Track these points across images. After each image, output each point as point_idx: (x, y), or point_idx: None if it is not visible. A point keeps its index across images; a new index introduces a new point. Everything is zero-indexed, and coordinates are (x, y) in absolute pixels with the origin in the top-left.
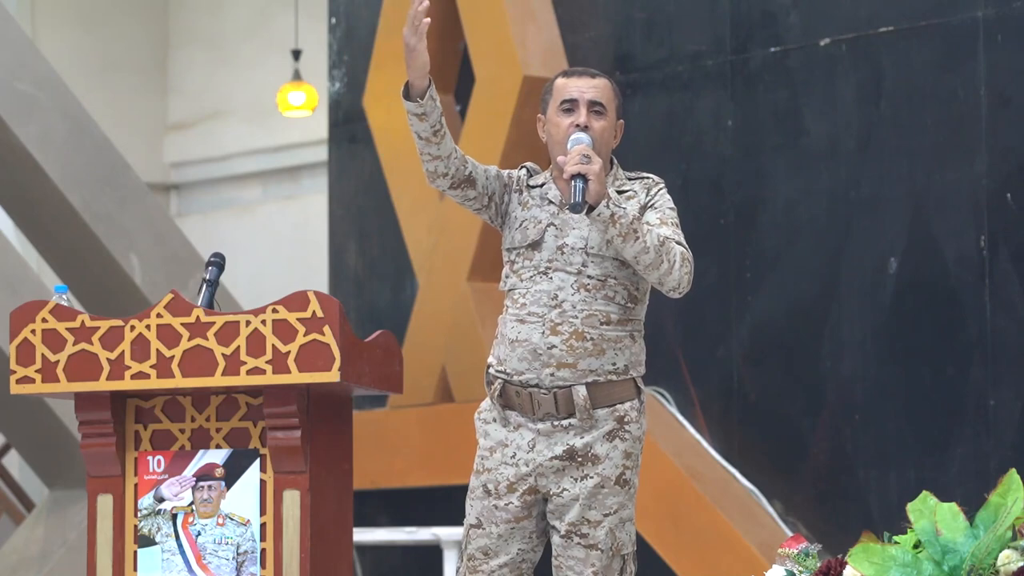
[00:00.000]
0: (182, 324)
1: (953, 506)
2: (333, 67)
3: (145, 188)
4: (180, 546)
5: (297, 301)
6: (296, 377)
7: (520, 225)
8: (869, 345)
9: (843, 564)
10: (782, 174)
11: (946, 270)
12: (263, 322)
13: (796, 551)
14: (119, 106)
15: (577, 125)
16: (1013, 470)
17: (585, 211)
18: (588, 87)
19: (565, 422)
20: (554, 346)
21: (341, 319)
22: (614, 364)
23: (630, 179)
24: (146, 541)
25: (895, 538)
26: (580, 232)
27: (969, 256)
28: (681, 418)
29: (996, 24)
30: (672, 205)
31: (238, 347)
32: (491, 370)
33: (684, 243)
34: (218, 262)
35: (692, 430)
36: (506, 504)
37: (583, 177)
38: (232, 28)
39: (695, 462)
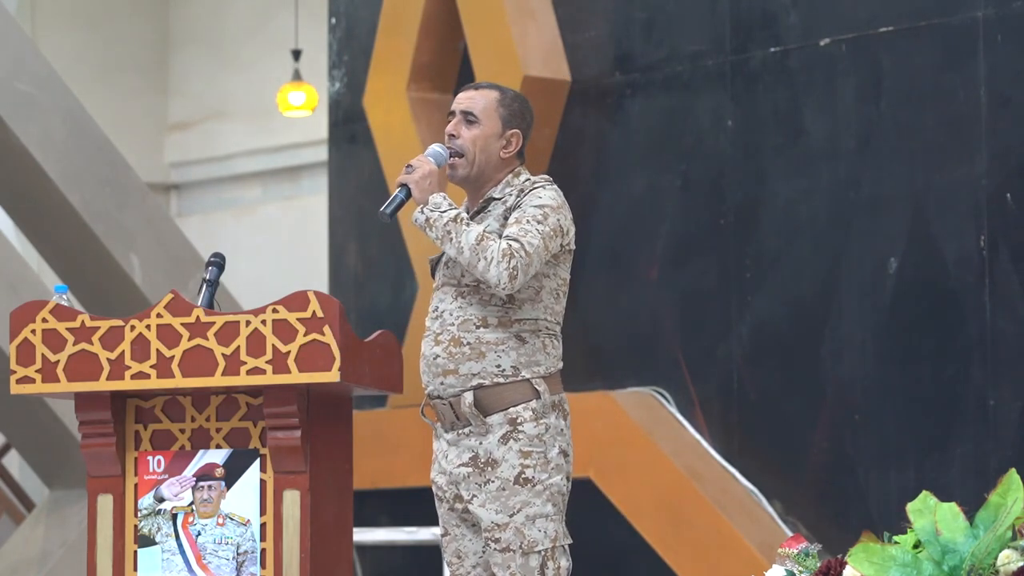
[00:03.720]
0: (182, 324)
1: (953, 506)
2: (333, 67)
3: (145, 188)
4: (180, 546)
5: (297, 301)
6: (296, 377)
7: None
8: (869, 345)
9: (843, 564)
10: (782, 174)
11: (946, 270)
12: (263, 322)
13: (796, 551)
14: (119, 106)
15: (449, 135)
16: (1013, 470)
17: (391, 217)
18: (464, 98)
19: (466, 430)
20: (438, 355)
21: (341, 319)
22: (498, 366)
23: (521, 183)
24: (146, 541)
25: (895, 538)
26: None
27: (969, 256)
28: (681, 418)
29: (996, 24)
30: (540, 203)
31: (238, 347)
32: None
33: (523, 239)
34: (218, 262)
35: (692, 430)
36: (451, 508)
37: (406, 186)
38: (232, 28)
39: (695, 462)
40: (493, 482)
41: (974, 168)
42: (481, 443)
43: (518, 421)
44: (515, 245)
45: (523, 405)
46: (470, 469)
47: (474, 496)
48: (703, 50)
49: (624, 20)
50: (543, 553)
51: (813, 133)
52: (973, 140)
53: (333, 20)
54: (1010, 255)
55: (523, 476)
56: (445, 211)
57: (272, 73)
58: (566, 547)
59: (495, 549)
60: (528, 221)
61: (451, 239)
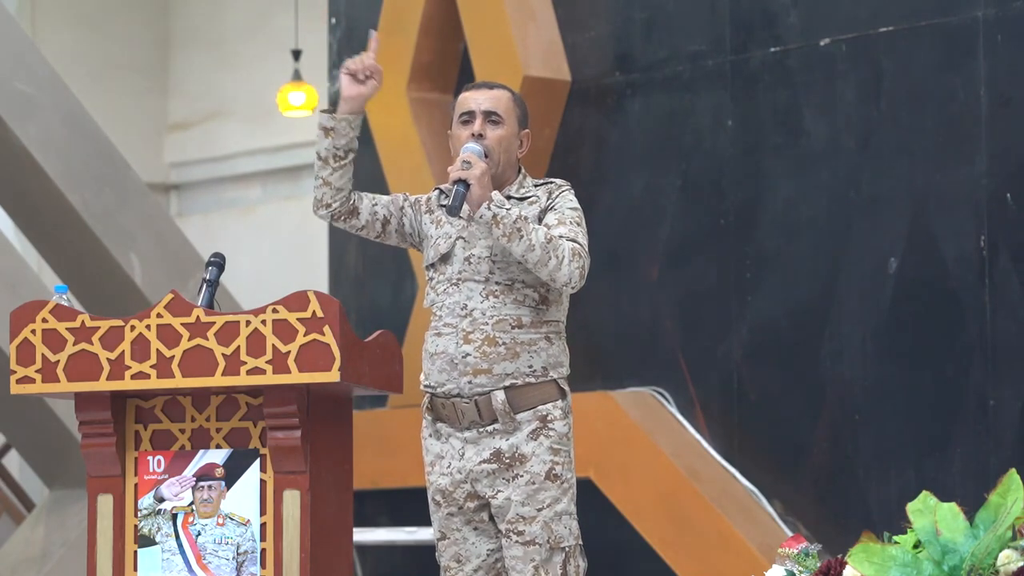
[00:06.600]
0: (182, 324)
1: (953, 506)
2: (333, 67)
3: (145, 188)
4: (180, 546)
5: (297, 301)
6: (296, 377)
7: (433, 242)
8: (869, 345)
9: (843, 564)
10: (782, 174)
11: (946, 270)
12: (263, 322)
13: (796, 551)
14: (119, 106)
15: (473, 135)
16: (1013, 470)
17: (462, 213)
18: (484, 98)
19: (490, 428)
20: (468, 354)
21: (341, 319)
22: (530, 366)
23: (536, 186)
24: (146, 541)
25: (895, 538)
26: (486, 242)
27: (969, 256)
28: (681, 418)
29: (996, 24)
30: (573, 206)
31: (238, 347)
32: (421, 385)
33: (579, 240)
34: (218, 262)
35: (692, 430)
36: (460, 508)
37: (464, 182)
38: (232, 28)
39: (695, 462)
40: (522, 476)
41: (974, 168)
42: (507, 439)
43: (548, 419)
44: (576, 246)
45: (552, 404)
46: (494, 465)
47: (499, 491)
48: (703, 50)
49: (624, 20)
50: (567, 550)
51: (813, 133)
52: (973, 140)
53: (333, 20)
54: (1010, 255)
55: (553, 472)
56: (510, 209)
57: (272, 73)
58: (583, 547)
59: (517, 542)
60: (571, 223)
61: (521, 236)
